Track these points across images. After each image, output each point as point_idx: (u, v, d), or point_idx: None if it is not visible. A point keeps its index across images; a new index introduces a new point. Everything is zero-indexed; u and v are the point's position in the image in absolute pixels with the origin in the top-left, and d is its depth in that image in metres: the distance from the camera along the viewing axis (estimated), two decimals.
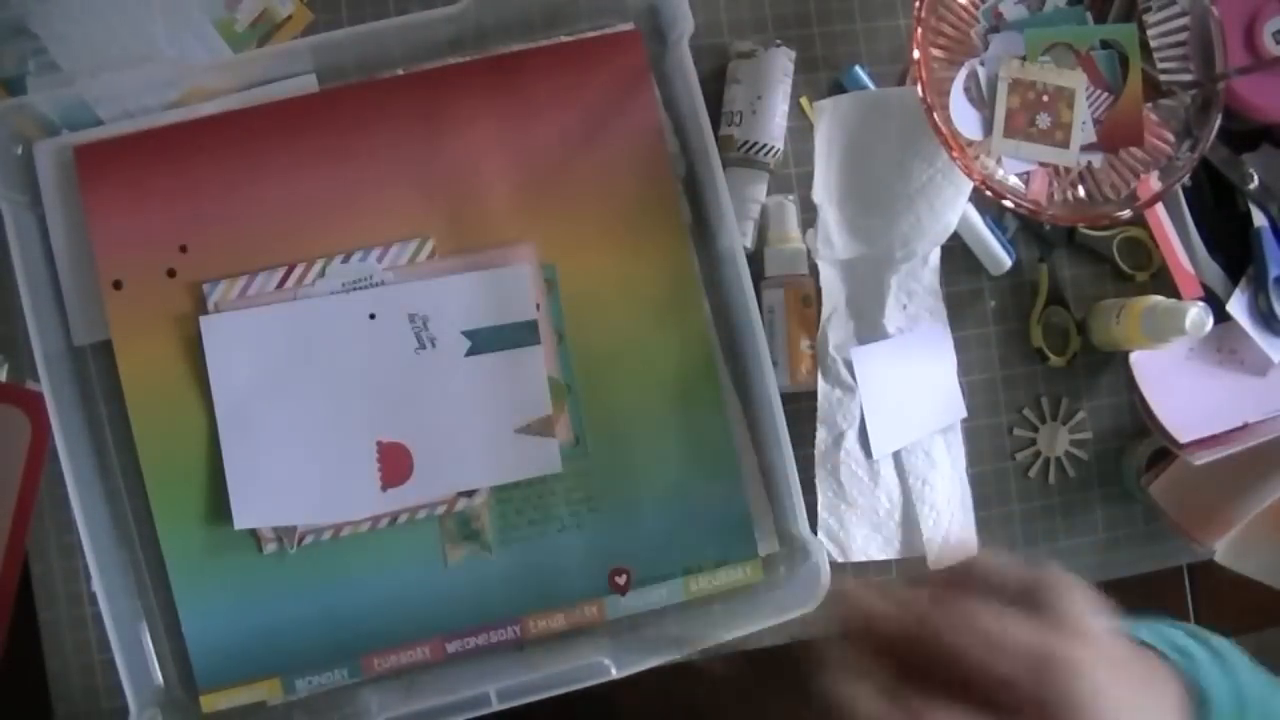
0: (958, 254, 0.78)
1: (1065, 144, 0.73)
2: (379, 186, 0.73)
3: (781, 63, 0.75)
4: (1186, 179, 0.73)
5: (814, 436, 0.74)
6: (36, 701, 0.72)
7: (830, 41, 0.78)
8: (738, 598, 0.73)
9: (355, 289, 0.72)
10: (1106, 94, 0.74)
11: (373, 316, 0.72)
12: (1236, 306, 0.77)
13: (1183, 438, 0.75)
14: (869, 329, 0.76)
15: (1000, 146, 0.73)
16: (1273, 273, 0.77)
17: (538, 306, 0.73)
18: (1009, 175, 0.73)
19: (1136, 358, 0.78)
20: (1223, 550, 0.77)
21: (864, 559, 0.74)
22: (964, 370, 0.78)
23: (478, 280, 0.73)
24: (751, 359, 0.72)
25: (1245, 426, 0.77)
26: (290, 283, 0.72)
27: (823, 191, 0.73)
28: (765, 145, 0.75)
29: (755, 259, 0.75)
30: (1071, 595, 0.39)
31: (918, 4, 0.70)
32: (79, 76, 0.71)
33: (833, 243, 0.74)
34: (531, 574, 0.73)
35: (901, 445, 0.75)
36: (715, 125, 0.75)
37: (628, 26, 0.75)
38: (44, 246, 0.72)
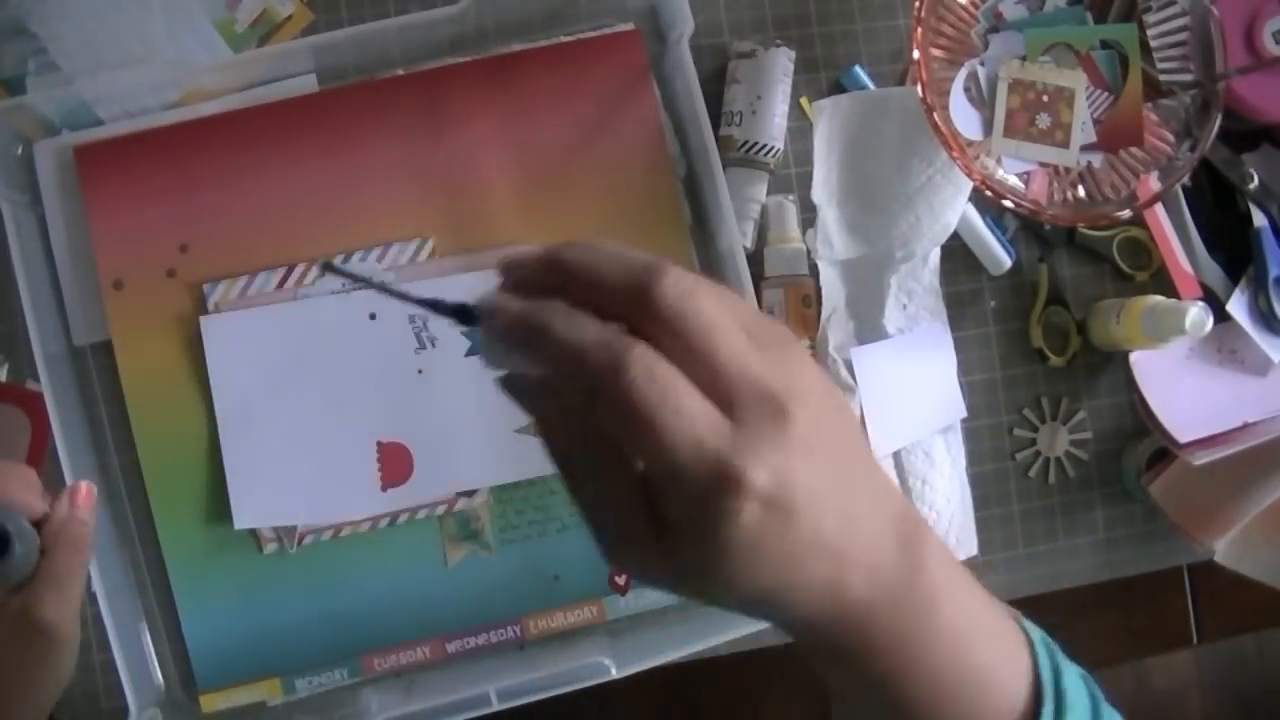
0: (958, 254, 0.78)
1: (1065, 144, 0.73)
2: (379, 187, 0.73)
3: (781, 63, 0.75)
4: (1186, 179, 0.73)
5: None
6: None
7: (830, 41, 0.78)
8: None
9: (355, 289, 0.72)
10: (1106, 94, 0.74)
11: (373, 316, 0.72)
12: (1236, 306, 0.77)
13: (1183, 438, 0.75)
14: (869, 329, 0.76)
15: (1000, 146, 0.73)
16: (1273, 273, 0.77)
17: None
18: (1009, 175, 0.73)
19: (1136, 358, 0.78)
20: (1223, 550, 0.77)
21: None
22: (964, 370, 0.78)
23: (478, 280, 0.72)
24: None
25: (1245, 426, 0.77)
26: (290, 283, 0.72)
27: (822, 191, 0.73)
28: (765, 145, 0.75)
29: (755, 259, 0.75)
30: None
31: (918, 4, 0.70)
32: (79, 76, 0.71)
33: (832, 243, 0.74)
34: (531, 574, 0.73)
35: (901, 445, 0.75)
36: (715, 125, 0.75)
37: (628, 26, 0.75)
38: (44, 246, 0.72)
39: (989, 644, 0.40)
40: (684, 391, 0.32)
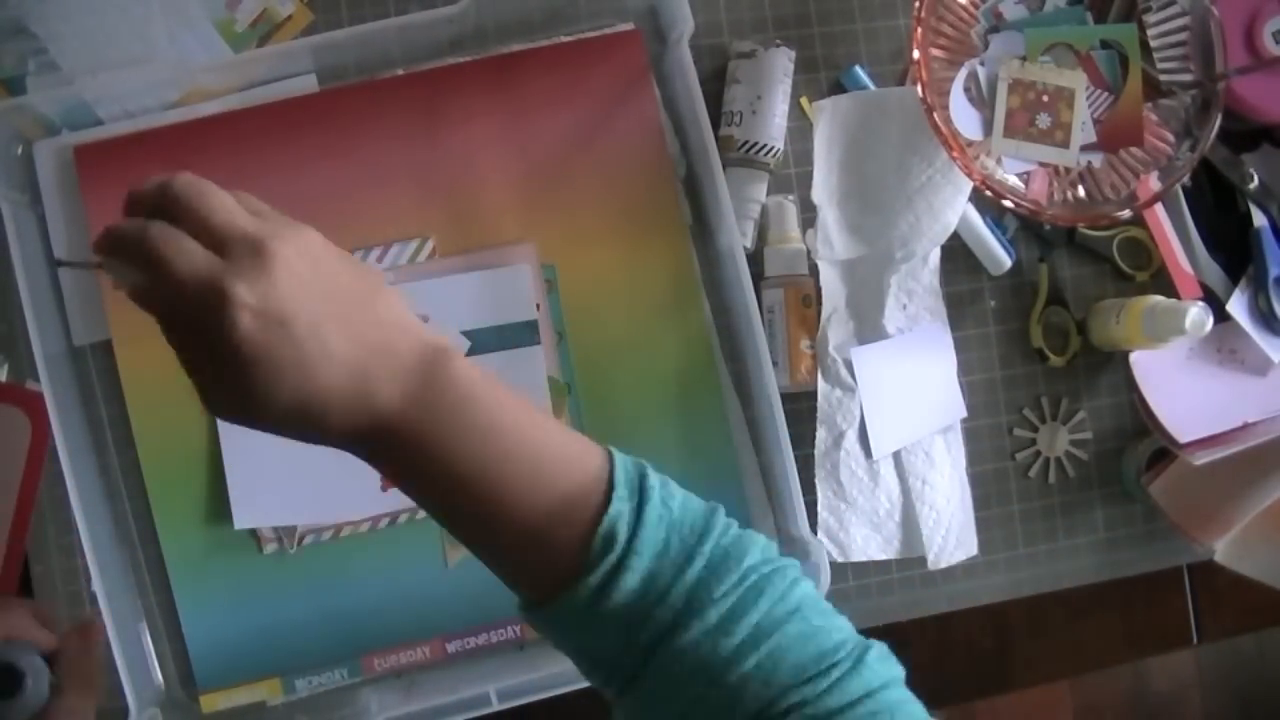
0: (958, 254, 0.78)
1: (1065, 144, 0.73)
2: (379, 187, 0.73)
3: (781, 63, 0.75)
4: (1186, 179, 0.73)
5: (814, 436, 0.74)
6: None
7: (830, 41, 0.78)
8: None
9: None
10: (1106, 94, 0.74)
11: None
12: (1236, 306, 0.77)
13: (1183, 438, 0.75)
14: (869, 329, 0.76)
15: (1000, 146, 0.73)
16: (1273, 273, 0.77)
17: (538, 306, 0.73)
18: (1009, 175, 0.73)
19: (1136, 358, 0.78)
20: (1223, 550, 0.77)
21: (864, 559, 0.74)
22: (964, 370, 0.78)
23: (478, 280, 0.73)
24: (751, 359, 0.71)
25: (1245, 426, 0.77)
26: None
27: (823, 191, 0.73)
28: (765, 145, 0.75)
29: (755, 259, 0.75)
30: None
31: (918, 4, 0.70)
32: (79, 76, 0.71)
33: (832, 243, 0.74)
34: None
35: (901, 445, 0.75)
36: (715, 125, 0.75)
37: (628, 26, 0.75)
38: (44, 246, 0.72)
39: (545, 443, 0.46)
40: (186, 241, 0.43)
